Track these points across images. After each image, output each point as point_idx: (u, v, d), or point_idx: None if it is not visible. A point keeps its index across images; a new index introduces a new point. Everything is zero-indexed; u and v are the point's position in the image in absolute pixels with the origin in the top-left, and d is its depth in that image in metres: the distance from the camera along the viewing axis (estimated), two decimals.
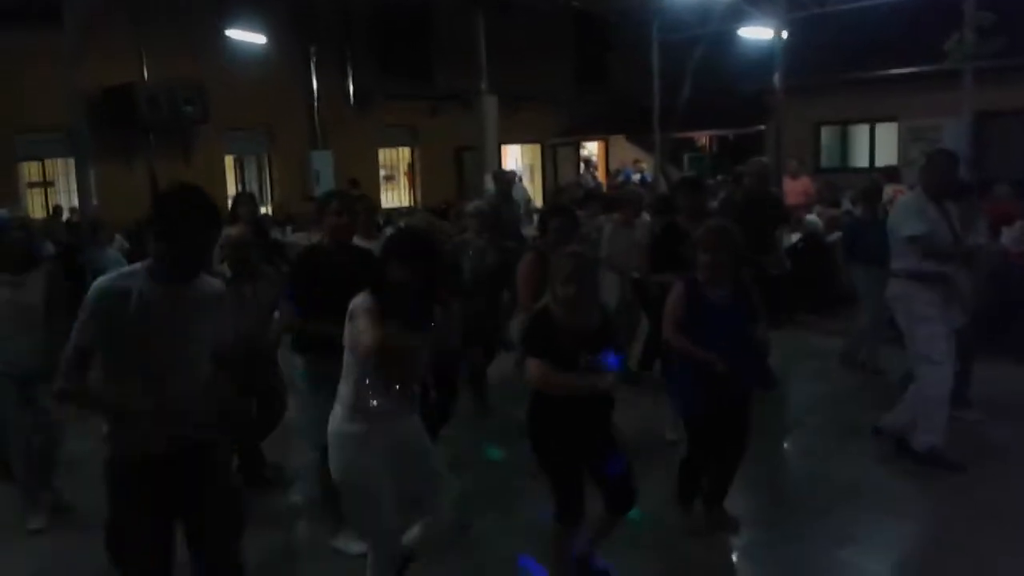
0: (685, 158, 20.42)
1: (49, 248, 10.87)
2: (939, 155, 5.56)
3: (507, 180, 9.94)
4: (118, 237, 12.51)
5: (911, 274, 5.36)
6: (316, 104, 16.77)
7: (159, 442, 2.97)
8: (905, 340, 5.54)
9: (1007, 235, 8.51)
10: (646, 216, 7.66)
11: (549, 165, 22.34)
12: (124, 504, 3.04)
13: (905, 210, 5.45)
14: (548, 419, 3.81)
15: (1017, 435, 5.99)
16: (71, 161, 14.87)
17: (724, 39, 15.43)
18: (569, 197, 11.02)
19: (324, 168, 15.99)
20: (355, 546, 4.55)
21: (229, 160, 16.98)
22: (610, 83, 21.18)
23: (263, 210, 16.05)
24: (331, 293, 4.00)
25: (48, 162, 15.07)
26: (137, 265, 3.00)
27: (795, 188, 12.04)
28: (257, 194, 17.32)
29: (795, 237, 10.22)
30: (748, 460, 4.70)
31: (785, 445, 6.35)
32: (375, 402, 3.35)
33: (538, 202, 17.43)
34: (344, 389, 3.42)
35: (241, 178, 17.52)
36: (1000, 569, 4.30)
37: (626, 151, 22.27)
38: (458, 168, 19.57)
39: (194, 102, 14.40)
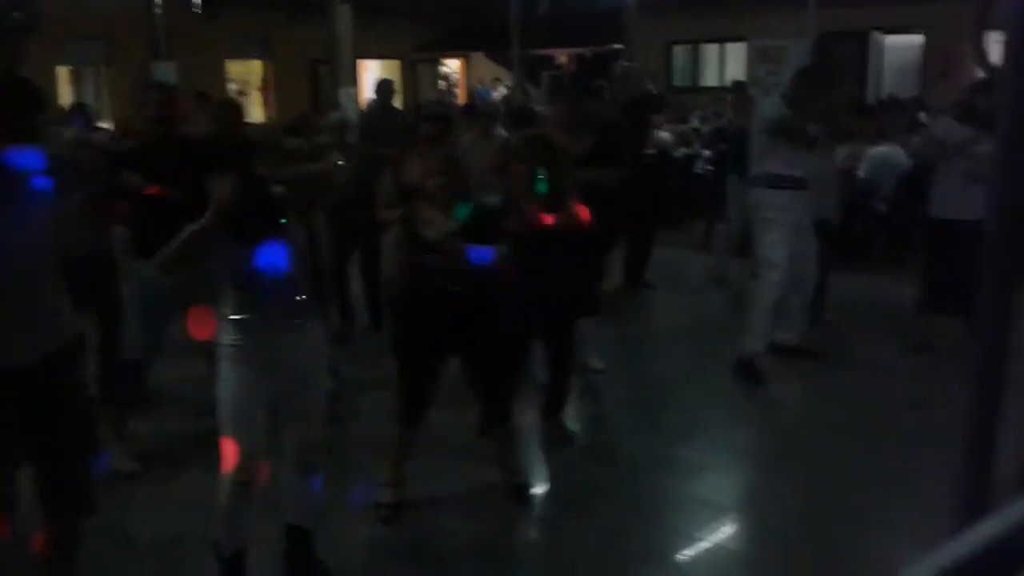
0: (544, 76, 20.43)
1: None
2: (806, 71, 5.77)
3: (389, 90, 9.73)
4: None
5: (765, 179, 5.58)
6: (158, 11, 15.82)
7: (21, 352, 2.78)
8: (756, 244, 5.79)
9: (839, 152, 8.98)
10: (502, 130, 7.68)
11: (409, 82, 21.94)
12: None
13: (770, 106, 5.68)
14: (409, 312, 3.88)
15: (853, 342, 6.42)
16: None
17: None
18: (429, 112, 10.88)
19: (168, 81, 15.18)
20: (130, 464, 4.50)
21: (63, 72, 15.92)
22: None
23: (103, 125, 15.20)
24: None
25: None
26: None
27: None
28: (95, 108, 16.38)
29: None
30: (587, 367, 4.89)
31: (629, 350, 6.63)
32: (241, 315, 3.21)
33: None
34: (219, 302, 3.29)
35: (77, 91, 16.47)
36: (793, 468, 4.66)
37: (486, 68, 22.09)
38: (314, 83, 18.98)
39: (22, 6, 13.33)
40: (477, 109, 8.21)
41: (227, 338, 3.25)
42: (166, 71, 15.36)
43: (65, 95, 15.94)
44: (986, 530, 1.37)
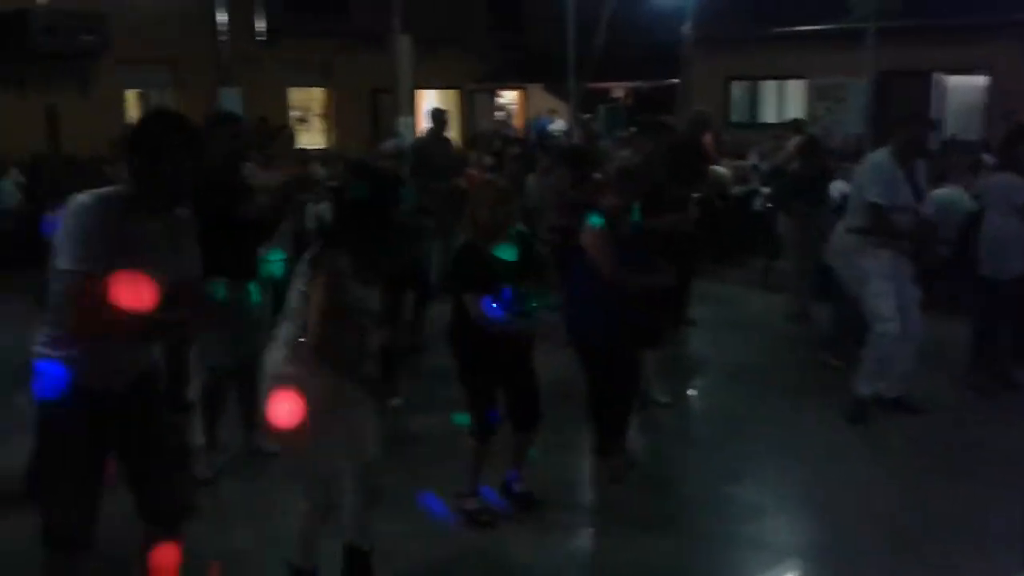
0: (601, 109, 20.47)
1: None
2: (914, 119, 5.67)
3: (442, 119, 9.81)
4: (13, 170, 12.01)
5: (865, 232, 5.46)
6: (223, 39, 16.26)
7: (117, 377, 2.87)
8: (860, 297, 5.60)
9: None
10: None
11: (466, 112, 22.14)
12: (58, 437, 2.89)
13: (876, 172, 5.44)
14: (474, 343, 4.00)
15: (935, 385, 6.16)
16: None
17: None
18: (487, 144, 11.04)
19: (232, 106, 15.50)
20: (208, 472, 4.73)
21: (131, 94, 16.34)
22: (525, 30, 21.04)
23: None
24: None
25: None
26: (112, 190, 2.88)
27: None
28: None
29: None
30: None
31: (689, 388, 6.56)
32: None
33: None
34: (286, 331, 3.29)
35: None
36: (853, 512, 4.54)
37: (543, 100, 22.19)
38: (374, 111, 19.24)
39: (94, 31, 13.75)
40: (545, 145, 8.30)
41: (291, 369, 3.25)
42: (231, 96, 15.72)
43: (133, 117, 16.34)
44: None
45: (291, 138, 7.92)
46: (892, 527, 4.20)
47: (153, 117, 2.97)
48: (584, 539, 4.37)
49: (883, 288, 5.40)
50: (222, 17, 16.21)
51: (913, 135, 5.48)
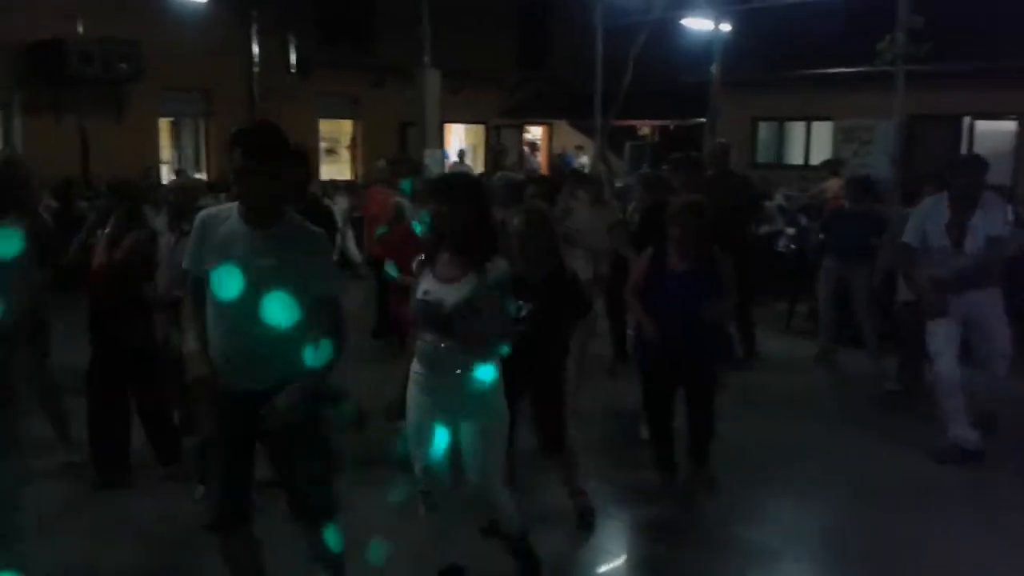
0: (627, 146, 20.57)
1: None
2: (968, 160, 5.83)
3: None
4: (45, 195, 12.17)
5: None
6: (255, 70, 16.53)
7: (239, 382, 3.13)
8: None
9: None
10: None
11: (492, 147, 22.28)
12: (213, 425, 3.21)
13: (917, 213, 5.68)
14: None
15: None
16: None
17: (668, 28, 15.55)
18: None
19: None
20: None
21: (164, 122, 16.60)
22: (552, 67, 21.20)
23: (198, 175, 15.80)
24: None
25: None
26: (233, 205, 3.14)
27: None
28: (193, 159, 17.04)
29: None
30: None
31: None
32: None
33: None
34: None
35: (177, 142, 17.16)
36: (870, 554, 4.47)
37: (568, 136, 22.33)
38: (402, 143, 19.40)
39: (129, 60, 14.03)
40: (585, 176, 8.37)
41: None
42: None
43: (165, 145, 16.60)
44: None
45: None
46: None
47: (250, 128, 3.24)
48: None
49: (936, 328, 5.56)
50: (256, 48, 16.50)
51: (966, 177, 5.54)
